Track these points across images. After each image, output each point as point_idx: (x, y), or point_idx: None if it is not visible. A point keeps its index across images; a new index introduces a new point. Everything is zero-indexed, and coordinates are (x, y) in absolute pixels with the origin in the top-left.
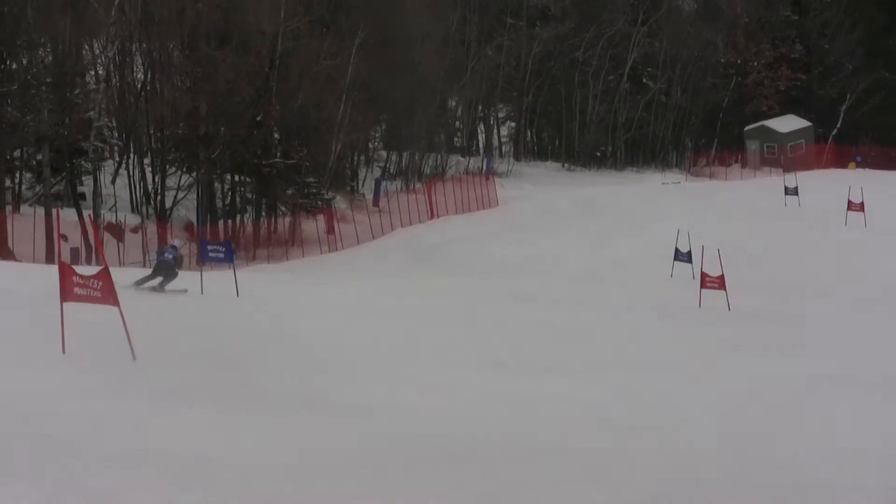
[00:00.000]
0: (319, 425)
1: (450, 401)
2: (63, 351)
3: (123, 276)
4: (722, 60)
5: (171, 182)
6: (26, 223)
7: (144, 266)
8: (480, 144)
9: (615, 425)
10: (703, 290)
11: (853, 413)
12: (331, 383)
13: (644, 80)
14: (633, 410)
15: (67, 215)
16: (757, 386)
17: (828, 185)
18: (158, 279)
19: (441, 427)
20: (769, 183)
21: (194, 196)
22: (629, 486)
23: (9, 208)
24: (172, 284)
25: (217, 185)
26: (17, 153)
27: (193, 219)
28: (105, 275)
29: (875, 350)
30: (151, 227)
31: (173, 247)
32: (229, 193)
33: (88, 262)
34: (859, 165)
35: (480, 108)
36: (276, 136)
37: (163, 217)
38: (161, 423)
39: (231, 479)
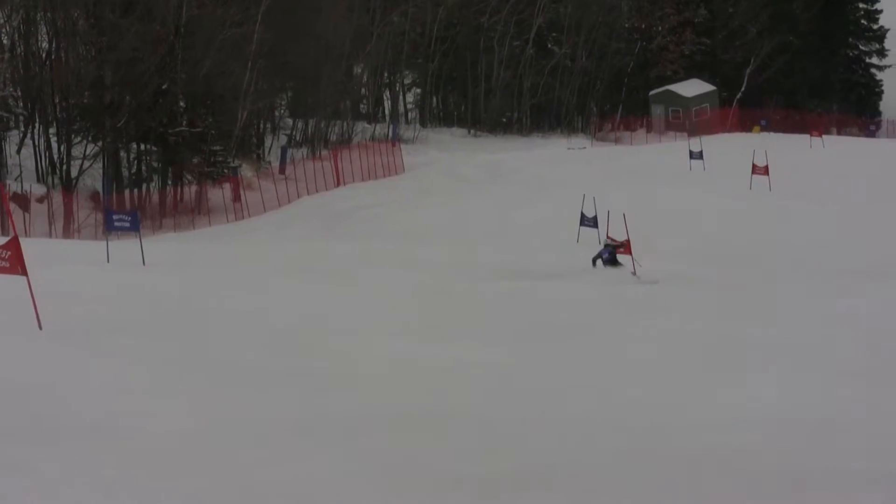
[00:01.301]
0: (223, 393)
1: (358, 368)
2: None
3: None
4: (626, 25)
5: (76, 151)
6: None
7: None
8: (386, 111)
9: (523, 392)
10: None
11: (763, 377)
12: (237, 350)
13: (549, 46)
14: (541, 377)
15: None
16: (661, 350)
17: (733, 149)
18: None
19: (346, 395)
20: (674, 147)
21: (100, 165)
22: (533, 453)
23: None
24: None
25: (123, 154)
26: None
27: (99, 188)
28: (14, 244)
29: (783, 316)
30: (57, 197)
31: (607, 246)
32: (135, 162)
33: None
34: (764, 129)
35: (386, 74)
36: (181, 104)
37: (69, 187)
38: (65, 390)
39: (131, 446)
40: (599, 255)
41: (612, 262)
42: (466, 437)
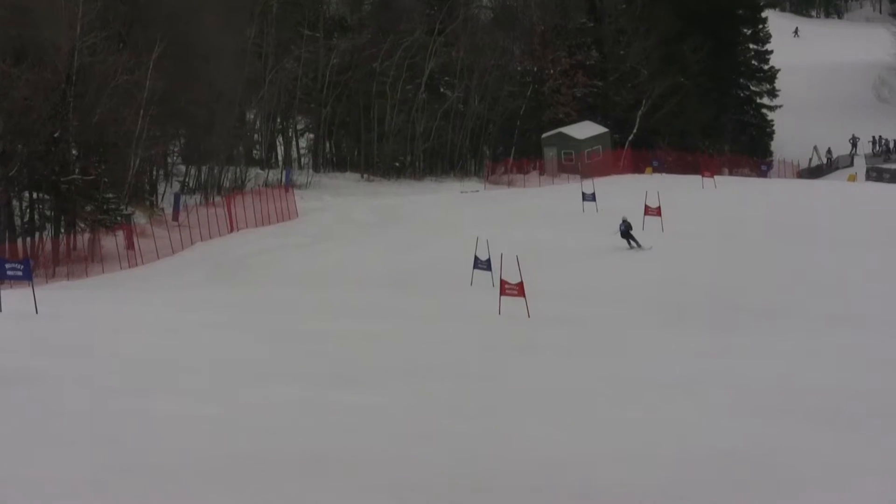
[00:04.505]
0: (112, 440)
1: (245, 413)
2: None
3: None
4: (519, 68)
5: None
6: None
7: None
8: (280, 157)
9: (407, 433)
10: (502, 298)
11: (643, 413)
12: (128, 397)
13: (442, 90)
14: (426, 417)
15: None
16: (553, 389)
17: (625, 191)
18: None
19: (232, 440)
20: (567, 189)
21: None
22: (417, 490)
23: None
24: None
25: (15, 202)
26: None
27: None
28: None
29: (672, 352)
30: None
31: (626, 222)
32: (28, 211)
33: None
34: (656, 170)
35: (279, 120)
36: (74, 152)
37: None
38: None
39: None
40: (619, 229)
41: (626, 235)
42: (360, 479)
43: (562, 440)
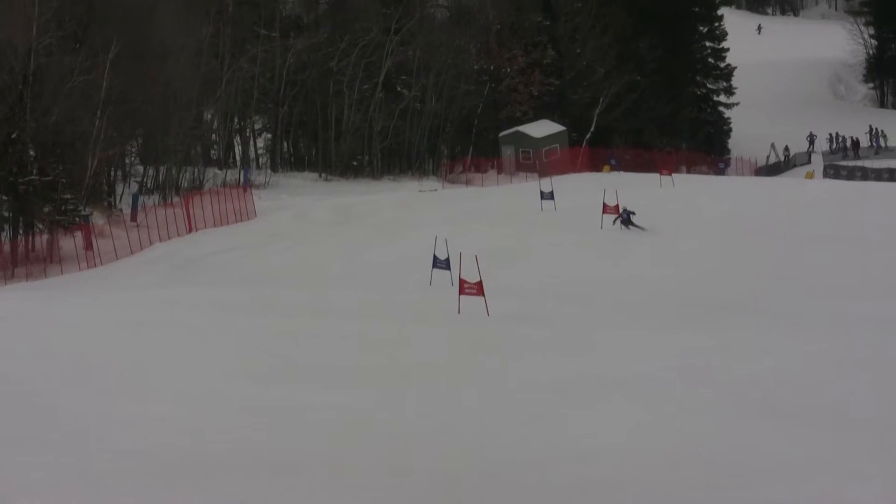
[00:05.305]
0: (78, 441)
1: (209, 412)
2: None
3: None
4: (475, 67)
5: None
6: None
7: None
8: (237, 157)
9: (376, 433)
10: (461, 297)
11: (603, 411)
12: (93, 398)
13: (399, 89)
14: (393, 417)
15: None
16: (513, 387)
17: (583, 189)
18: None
19: (198, 438)
20: (525, 188)
21: None
22: (388, 491)
23: None
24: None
25: None
26: None
27: None
28: None
29: (632, 350)
30: None
31: (625, 210)
32: None
33: None
34: (614, 168)
35: (236, 120)
36: (31, 153)
37: None
38: None
39: None
40: (619, 217)
41: (627, 222)
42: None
43: (523, 439)
